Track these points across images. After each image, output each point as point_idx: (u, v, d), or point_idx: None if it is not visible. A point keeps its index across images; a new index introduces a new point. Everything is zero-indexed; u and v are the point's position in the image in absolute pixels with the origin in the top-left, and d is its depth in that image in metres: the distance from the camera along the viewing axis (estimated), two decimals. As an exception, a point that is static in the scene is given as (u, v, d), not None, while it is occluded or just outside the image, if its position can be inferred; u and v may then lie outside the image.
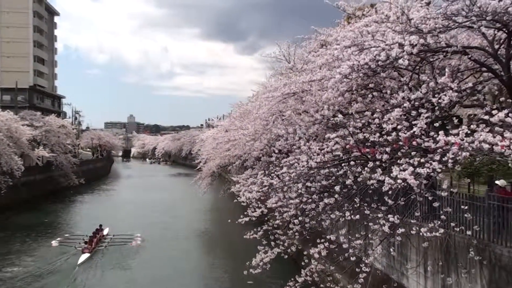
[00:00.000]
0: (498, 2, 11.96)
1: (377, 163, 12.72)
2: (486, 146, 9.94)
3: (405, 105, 12.67)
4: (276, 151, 17.51)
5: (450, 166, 10.81)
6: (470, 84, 13.67)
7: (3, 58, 79.36)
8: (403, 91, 13.51)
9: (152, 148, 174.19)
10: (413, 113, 12.48)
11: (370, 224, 13.18)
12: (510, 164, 10.13)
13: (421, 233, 12.28)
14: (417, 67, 14.56)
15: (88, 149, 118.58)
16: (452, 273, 13.13)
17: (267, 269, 16.84)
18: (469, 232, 12.22)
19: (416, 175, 11.02)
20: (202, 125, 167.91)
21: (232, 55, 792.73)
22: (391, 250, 14.62)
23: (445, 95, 12.06)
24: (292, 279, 16.62)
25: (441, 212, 12.34)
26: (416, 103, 12.72)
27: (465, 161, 11.42)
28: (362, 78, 14.48)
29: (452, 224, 12.56)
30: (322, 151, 14.08)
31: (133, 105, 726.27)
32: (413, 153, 11.67)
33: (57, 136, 64.78)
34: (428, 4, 14.65)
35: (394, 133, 12.34)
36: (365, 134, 13.47)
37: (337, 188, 13.81)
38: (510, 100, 12.48)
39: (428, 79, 12.96)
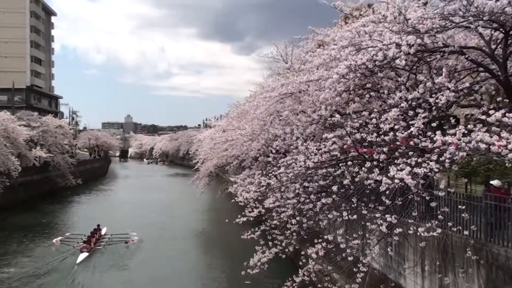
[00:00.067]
0: (495, 2, 11.98)
1: (375, 163, 12.73)
2: (483, 146, 9.96)
3: (402, 105, 12.68)
4: (274, 151, 17.51)
5: (447, 166, 10.83)
6: (467, 84, 13.71)
7: (0, 58, 79.15)
8: (400, 91, 13.53)
9: (149, 148, 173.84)
10: (410, 113, 12.49)
11: (368, 224, 13.20)
12: (507, 164, 10.15)
13: (418, 233, 12.28)
14: (414, 67, 14.58)
15: (85, 150, 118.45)
16: (450, 272, 13.15)
17: (265, 269, 16.85)
18: (466, 232, 12.23)
19: (414, 175, 11.04)
20: (199, 125, 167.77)
21: (229, 55, 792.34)
22: (389, 250, 14.63)
23: (442, 95, 12.07)
24: (290, 279, 16.64)
25: (439, 212, 12.34)
26: (413, 103, 12.74)
27: (462, 161, 11.44)
28: (360, 78, 14.48)
29: (450, 224, 12.57)
30: (320, 151, 14.09)
31: (131, 105, 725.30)
32: (410, 153, 11.68)
33: (54, 136, 64.59)
34: (425, 4, 14.68)
35: (391, 133, 12.36)
36: (362, 134, 13.48)
37: (334, 188, 13.82)
38: (507, 100, 12.52)
39: (425, 79, 12.97)
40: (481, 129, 10.45)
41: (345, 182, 13.52)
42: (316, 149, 14.23)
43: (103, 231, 34.74)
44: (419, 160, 11.16)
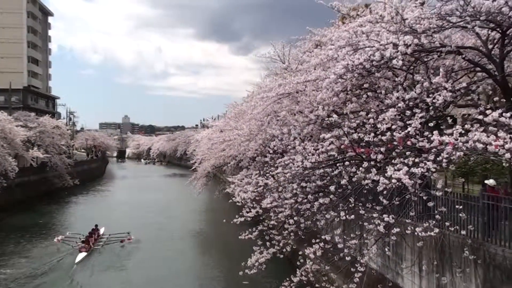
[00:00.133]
0: (491, 2, 11.99)
1: (372, 163, 12.74)
2: (480, 145, 9.96)
3: (399, 105, 12.68)
4: (271, 152, 17.50)
5: (445, 166, 10.84)
6: (464, 84, 13.71)
7: (-3, 59, 79.04)
8: (397, 91, 13.53)
9: (147, 149, 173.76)
10: (408, 113, 12.49)
11: (365, 224, 13.19)
12: (504, 164, 10.16)
13: (416, 233, 12.29)
14: (412, 67, 14.59)
15: (82, 150, 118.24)
16: (447, 272, 13.17)
17: (263, 269, 16.84)
18: (463, 232, 12.26)
19: (411, 175, 11.05)
20: (197, 125, 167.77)
21: (226, 56, 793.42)
22: (386, 249, 14.64)
23: (439, 95, 12.09)
24: (288, 279, 16.62)
25: (436, 211, 12.36)
26: (411, 103, 12.74)
27: (459, 160, 11.43)
28: (357, 78, 14.49)
29: (447, 223, 12.59)
30: (317, 151, 14.08)
31: (128, 105, 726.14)
32: (407, 153, 11.68)
33: (52, 137, 64.47)
34: (422, 4, 14.69)
35: (388, 133, 12.35)
36: (359, 134, 13.48)
37: (332, 188, 13.81)
38: (504, 100, 12.53)
39: (422, 79, 12.98)
40: (478, 129, 10.46)
41: (343, 182, 13.51)
42: (314, 149, 14.21)
43: (101, 231, 34.96)
44: (417, 160, 11.16)
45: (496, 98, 12.93)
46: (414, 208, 12.87)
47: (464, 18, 12.51)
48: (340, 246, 14.22)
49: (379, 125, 12.82)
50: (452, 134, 10.70)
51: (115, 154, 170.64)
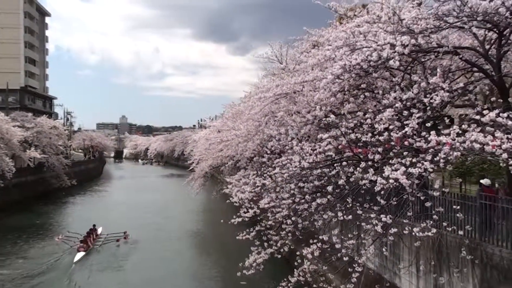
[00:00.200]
0: (488, 2, 12.02)
1: (369, 163, 12.74)
2: (477, 146, 9.99)
3: (397, 105, 12.70)
4: (269, 152, 17.51)
5: (442, 166, 10.85)
6: (461, 84, 13.74)
7: (-6, 59, 78.87)
8: (395, 91, 13.55)
9: (144, 149, 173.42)
10: (405, 113, 12.51)
11: (363, 224, 13.20)
12: (501, 164, 10.18)
13: (413, 233, 12.30)
14: (409, 67, 14.60)
15: (80, 150, 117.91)
16: (444, 272, 13.17)
17: (260, 269, 16.82)
18: (461, 232, 12.27)
19: (408, 175, 11.06)
20: (194, 125, 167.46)
21: (224, 56, 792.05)
22: (384, 250, 14.65)
23: (436, 95, 12.11)
24: (285, 279, 16.63)
25: (433, 211, 12.37)
26: (408, 103, 12.76)
27: (456, 160, 11.46)
28: (354, 79, 14.49)
29: (444, 223, 12.60)
30: (315, 152, 14.09)
31: (125, 106, 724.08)
32: (405, 153, 11.70)
33: (49, 137, 64.31)
34: (419, 4, 14.73)
35: (386, 133, 12.37)
36: (357, 134, 13.50)
37: (329, 188, 13.82)
38: (501, 100, 12.56)
39: (419, 79, 12.99)
40: (475, 129, 10.49)
41: (340, 182, 13.53)
42: (311, 149, 14.23)
43: (99, 231, 35.08)
44: (414, 160, 11.18)
45: (493, 98, 12.98)
46: (412, 208, 12.87)
47: (461, 18, 12.53)
48: (337, 246, 14.22)
49: (376, 125, 12.84)
50: (449, 134, 10.71)
51: (112, 154, 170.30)
